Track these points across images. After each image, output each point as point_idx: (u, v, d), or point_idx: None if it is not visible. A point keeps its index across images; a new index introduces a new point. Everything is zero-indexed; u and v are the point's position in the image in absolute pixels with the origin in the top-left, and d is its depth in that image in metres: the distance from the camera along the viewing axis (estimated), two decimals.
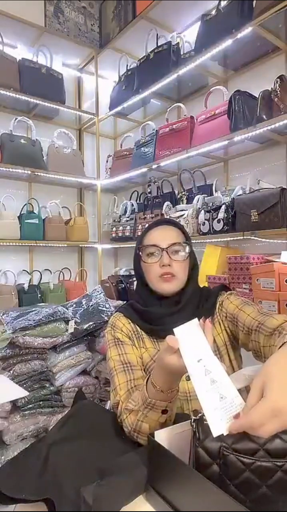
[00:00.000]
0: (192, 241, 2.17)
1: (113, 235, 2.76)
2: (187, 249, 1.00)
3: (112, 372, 0.93)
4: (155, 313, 0.98)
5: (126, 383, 0.89)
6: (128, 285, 2.53)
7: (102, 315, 1.98)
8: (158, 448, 0.62)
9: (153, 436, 0.65)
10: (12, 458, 0.78)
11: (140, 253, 1.01)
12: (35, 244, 2.62)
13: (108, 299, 2.24)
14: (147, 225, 2.54)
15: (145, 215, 2.49)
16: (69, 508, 0.62)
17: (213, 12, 1.98)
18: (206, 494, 0.53)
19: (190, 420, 0.63)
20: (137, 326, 1.01)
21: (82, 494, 0.60)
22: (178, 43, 2.35)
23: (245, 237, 1.82)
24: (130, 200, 2.86)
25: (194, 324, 0.69)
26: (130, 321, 1.01)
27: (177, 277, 0.97)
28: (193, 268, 1.03)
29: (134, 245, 1.07)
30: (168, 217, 2.28)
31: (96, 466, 0.69)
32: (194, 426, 0.61)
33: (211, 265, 2.05)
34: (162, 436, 0.65)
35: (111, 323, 1.03)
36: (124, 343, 0.97)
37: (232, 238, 1.96)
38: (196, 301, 1.00)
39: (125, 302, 1.13)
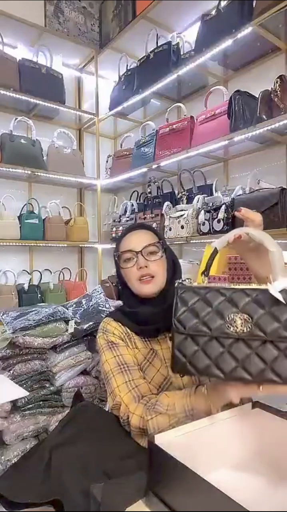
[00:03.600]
0: (192, 241, 2.18)
1: (113, 235, 2.76)
2: (162, 247, 1.02)
3: (108, 375, 0.93)
4: (144, 313, 0.99)
5: (126, 384, 0.89)
6: None
7: (102, 315, 1.98)
8: (158, 452, 0.62)
9: (154, 440, 0.65)
10: (15, 463, 0.77)
11: (118, 260, 1.03)
12: (35, 244, 2.62)
13: (108, 299, 2.24)
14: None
15: (145, 215, 2.48)
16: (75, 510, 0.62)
17: (213, 12, 1.98)
18: (208, 498, 0.52)
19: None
20: (127, 329, 1.02)
21: (91, 491, 0.61)
22: (178, 43, 2.35)
23: None
24: (130, 200, 2.86)
25: None
26: (120, 324, 1.02)
27: (156, 277, 0.99)
28: (174, 265, 1.05)
29: None
30: (168, 217, 2.28)
31: (99, 468, 0.69)
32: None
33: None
34: (162, 440, 0.65)
35: (102, 328, 1.03)
36: (119, 345, 0.98)
37: None
38: None
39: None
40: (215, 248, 0.75)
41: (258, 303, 0.64)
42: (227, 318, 0.65)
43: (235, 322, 0.64)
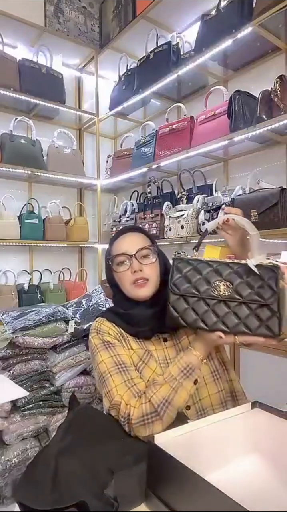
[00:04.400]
0: (192, 241, 2.18)
1: (113, 235, 2.76)
2: (155, 251, 1.01)
3: (105, 375, 0.90)
4: (139, 315, 0.98)
5: (124, 383, 0.88)
6: None
7: None
8: (158, 452, 0.62)
9: (153, 440, 0.65)
10: (25, 472, 0.76)
11: (111, 263, 1.02)
12: (35, 244, 2.62)
13: (108, 299, 2.24)
14: (146, 225, 2.52)
15: (145, 215, 2.49)
16: None
17: (213, 12, 1.98)
18: (208, 498, 0.52)
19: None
20: (121, 329, 1.00)
21: (106, 495, 0.61)
22: (178, 43, 2.35)
23: None
24: (130, 200, 2.86)
25: None
26: (114, 325, 1.00)
27: (150, 280, 0.98)
28: (166, 267, 1.04)
29: None
30: (168, 217, 2.28)
31: (106, 470, 0.68)
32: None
33: None
34: (162, 440, 0.65)
35: (96, 328, 1.01)
36: (115, 345, 0.96)
37: None
38: None
39: None
40: (206, 229, 0.90)
41: (238, 274, 0.80)
42: (212, 284, 0.81)
43: (219, 287, 0.80)
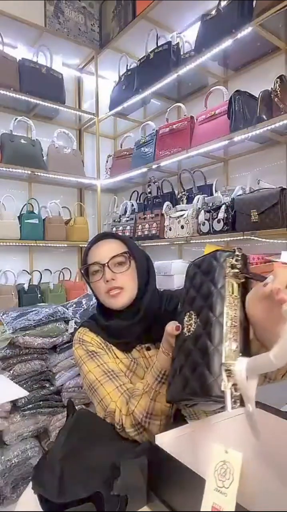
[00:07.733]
0: (192, 241, 2.18)
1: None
2: (129, 258, 0.97)
3: (94, 385, 0.89)
4: (116, 327, 0.96)
5: (117, 389, 0.86)
6: None
7: None
8: (158, 452, 0.62)
9: (154, 440, 0.64)
10: (33, 476, 0.75)
11: (84, 273, 1.00)
12: (35, 244, 2.61)
13: None
14: (146, 225, 2.52)
15: (145, 215, 2.49)
16: None
17: (213, 12, 1.98)
18: None
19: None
20: (104, 339, 0.99)
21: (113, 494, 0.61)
22: (178, 43, 2.34)
23: (245, 237, 1.82)
24: (130, 200, 2.86)
25: None
26: (97, 335, 0.99)
27: (125, 289, 0.95)
28: (149, 272, 1.01)
29: None
30: (168, 217, 2.28)
31: (112, 469, 0.68)
32: None
33: None
34: (162, 440, 0.65)
35: (78, 338, 0.99)
36: (100, 353, 0.94)
37: (232, 238, 1.96)
38: (157, 305, 0.98)
39: None
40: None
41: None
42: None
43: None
